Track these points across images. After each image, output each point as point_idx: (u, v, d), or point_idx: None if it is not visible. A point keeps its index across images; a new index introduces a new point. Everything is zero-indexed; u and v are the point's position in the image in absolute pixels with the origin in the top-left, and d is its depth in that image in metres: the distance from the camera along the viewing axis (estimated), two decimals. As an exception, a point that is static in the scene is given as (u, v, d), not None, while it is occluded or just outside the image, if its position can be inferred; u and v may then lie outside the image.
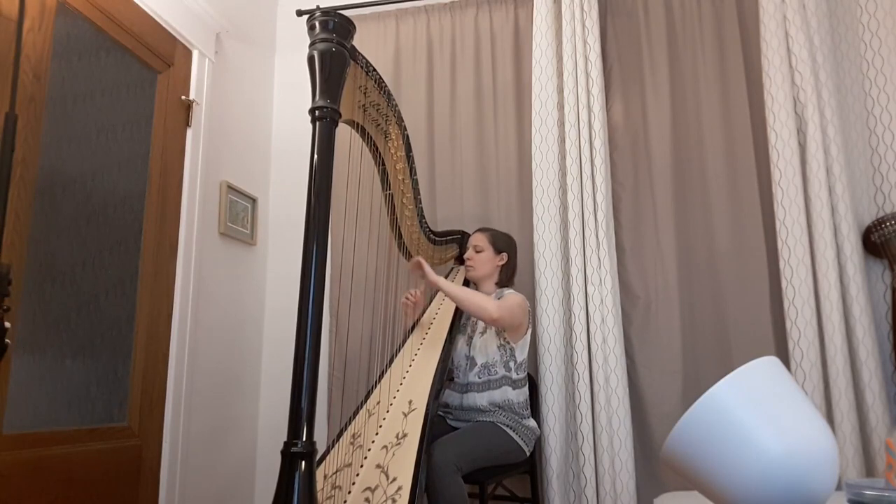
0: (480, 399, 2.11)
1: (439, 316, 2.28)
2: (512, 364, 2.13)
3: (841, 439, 2.10)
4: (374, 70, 1.80)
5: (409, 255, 2.35)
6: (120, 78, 2.06)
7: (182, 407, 2.22)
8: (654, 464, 2.35)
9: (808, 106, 2.33)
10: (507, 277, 2.32)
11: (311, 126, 1.53)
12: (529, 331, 2.20)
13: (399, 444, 1.75)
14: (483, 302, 2.05)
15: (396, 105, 1.98)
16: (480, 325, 2.23)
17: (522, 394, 2.14)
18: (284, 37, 3.12)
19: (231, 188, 2.60)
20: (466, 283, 2.37)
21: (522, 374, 2.16)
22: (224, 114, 2.61)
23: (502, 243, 2.32)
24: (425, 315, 2.31)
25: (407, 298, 2.30)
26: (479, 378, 2.13)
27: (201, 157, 2.40)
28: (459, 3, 2.89)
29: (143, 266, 2.12)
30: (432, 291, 2.45)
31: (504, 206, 2.68)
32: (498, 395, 2.10)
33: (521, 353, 2.16)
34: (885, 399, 2.14)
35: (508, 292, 2.22)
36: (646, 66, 2.67)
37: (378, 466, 1.70)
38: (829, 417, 2.15)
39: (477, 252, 2.29)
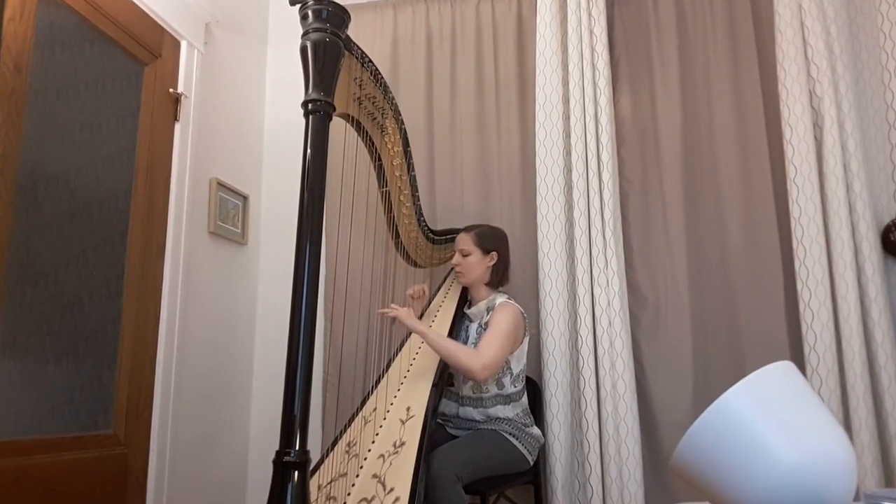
0: (475, 413, 2.11)
1: (440, 314, 2.27)
2: (507, 378, 2.11)
3: (859, 448, 2.10)
4: (370, 61, 1.80)
5: (406, 255, 2.35)
6: (105, 70, 2.06)
7: (170, 414, 2.22)
8: (664, 473, 2.35)
9: (824, 99, 2.32)
10: (499, 276, 2.26)
11: (304, 120, 1.53)
12: (526, 339, 2.18)
13: (396, 452, 1.75)
14: (467, 361, 1.97)
15: (393, 98, 1.98)
16: (473, 333, 2.21)
17: (519, 406, 2.13)
18: (277, 27, 3.11)
19: (221, 185, 2.60)
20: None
21: (519, 387, 2.13)
22: (214, 107, 2.61)
23: (490, 241, 2.25)
24: (426, 313, 2.31)
25: (411, 296, 2.30)
26: (473, 393, 2.12)
27: (190, 152, 2.40)
28: (460, -9, 2.89)
29: (130, 266, 2.11)
30: (432, 291, 2.45)
31: (506, 204, 2.67)
32: (491, 411, 2.10)
33: (518, 364, 2.14)
34: (905, 406, 2.14)
35: (500, 301, 2.15)
36: (655, 58, 2.67)
37: (374, 476, 1.70)
38: (847, 425, 2.15)
39: (464, 256, 2.23)
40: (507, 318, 2.08)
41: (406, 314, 2.03)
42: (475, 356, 1.99)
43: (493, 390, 2.10)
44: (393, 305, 2.05)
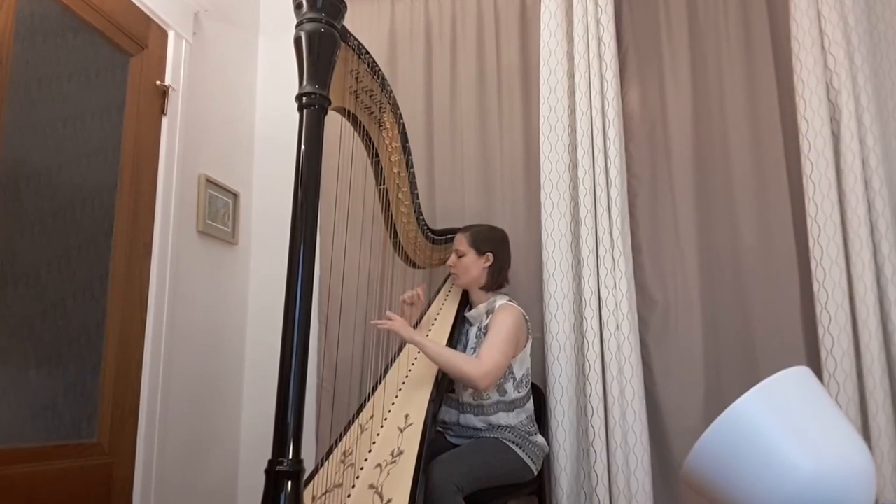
0: (476, 421, 2.11)
1: (439, 319, 2.27)
2: (509, 385, 2.10)
3: (878, 457, 2.10)
4: (367, 53, 1.80)
5: (405, 255, 2.35)
6: (89, 61, 2.06)
7: (157, 421, 2.22)
8: (674, 484, 2.35)
9: (842, 92, 2.33)
10: (496, 277, 2.24)
11: (297, 114, 1.53)
12: (529, 342, 2.17)
13: (394, 462, 1.75)
14: (468, 370, 1.96)
15: (391, 91, 1.98)
16: (472, 338, 2.22)
17: (523, 412, 2.12)
18: (269, 16, 3.12)
19: (210, 182, 2.60)
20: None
21: (523, 392, 2.13)
22: (203, 101, 2.61)
23: (485, 242, 2.24)
24: (424, 318, 2.30)
25: (405, 301, 2.27)
26: (473, 400, 2.12)
27: (178, 147, 2.40)
28: (460, -21, 2.89)
29: (115, 267, 2.12)
30: (432, 293, 2.45)
31: (509, 202, 2.68)
32: (493, 419, 2.09)
33: (521, 368, 2.14)
34: (926, 413, 2.14)
35: (501, 304, 2.15)
36: (664, 49, 2.67)
37: (371, 487, 1.70)
38: (866, 433, 2.15)
39: (459, 257, 2.23)
40: (507, 321, 2.08)
41: (401, 325, 2.00)
42: (476, 365, 1.98)
43: (495, 397, 2.09)
44: (389, 314, 2.02)
